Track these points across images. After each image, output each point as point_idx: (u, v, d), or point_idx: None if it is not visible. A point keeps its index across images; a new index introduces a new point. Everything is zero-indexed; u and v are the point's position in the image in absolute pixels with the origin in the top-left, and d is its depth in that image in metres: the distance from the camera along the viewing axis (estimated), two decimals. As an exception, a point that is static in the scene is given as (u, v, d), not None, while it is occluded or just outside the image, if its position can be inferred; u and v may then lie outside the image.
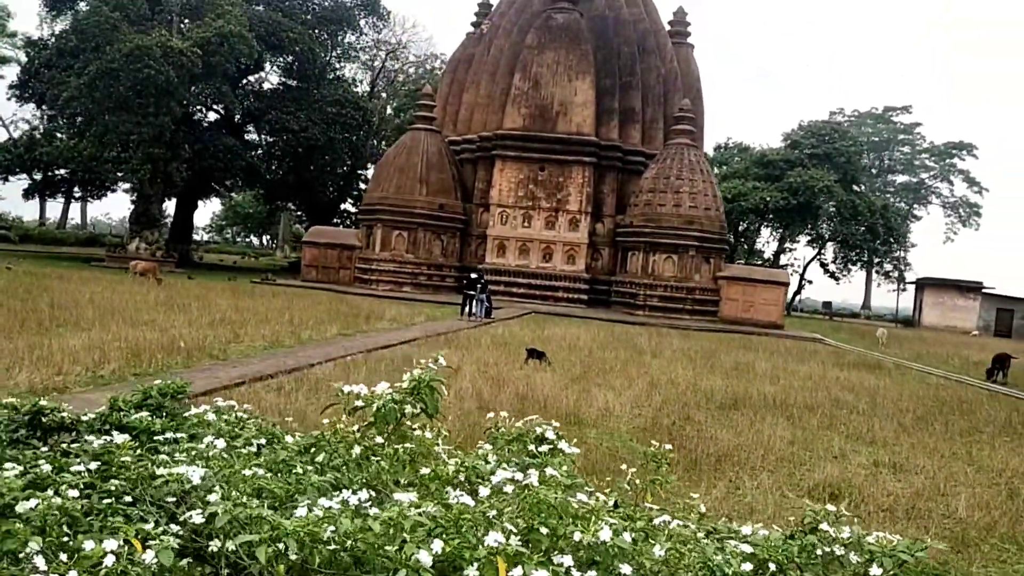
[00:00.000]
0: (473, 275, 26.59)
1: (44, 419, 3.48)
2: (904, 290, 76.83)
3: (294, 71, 52.35)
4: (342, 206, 65.56)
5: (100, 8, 38.20)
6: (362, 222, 38.49)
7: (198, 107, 46.18)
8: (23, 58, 75.34)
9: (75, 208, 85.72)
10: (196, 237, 76.24)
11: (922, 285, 62.72)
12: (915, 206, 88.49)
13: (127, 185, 59.38)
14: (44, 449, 3.25)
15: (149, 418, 3.53)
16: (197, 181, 47.17)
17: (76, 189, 58.13)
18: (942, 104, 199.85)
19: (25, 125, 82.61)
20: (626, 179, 37.77)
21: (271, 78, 57.10)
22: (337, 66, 59.97)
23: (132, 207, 42.08)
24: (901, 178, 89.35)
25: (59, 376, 10.21)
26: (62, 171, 52.20)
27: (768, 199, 57.97)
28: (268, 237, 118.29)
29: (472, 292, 25.84)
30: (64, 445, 3.36)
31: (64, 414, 3.60)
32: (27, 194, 57.63)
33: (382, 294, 33.24)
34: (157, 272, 27.84)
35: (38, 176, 53.29)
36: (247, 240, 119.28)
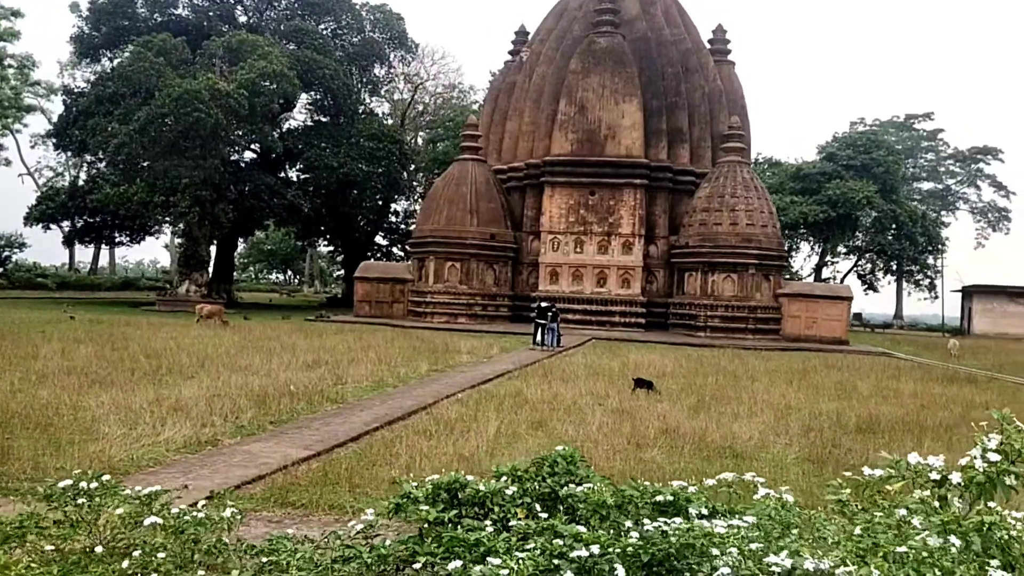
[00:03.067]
0: (543, 304, 26.27)
1: (462, 494, 3.16)
2: (937, 297, 75.62)
3: (328, 108, 52.63)
4: (376, 239, 65.66)
5: (144, 54, 38.52)
6: (413, 255, 38.33)
7: (236, 147, 46.38)
8: (47, 106, 76.72)
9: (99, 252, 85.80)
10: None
11: (970, 292, 61.74)
12: (943, 213, 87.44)
13: (169, 229, 59.91)
14: (490, 530, 2.90)
15: (604, 493, 3.18)
16: (239, 221, 47.31)
17: (115, 234, 58.33)
18: (963, 108, 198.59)
19: (49, 172, 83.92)
20: (677, 199, 37.44)
21: (300, 115, 57.52)
22: (367, 100, 60.34)
23: (180, 250, 42.20)
24: (927, 185, 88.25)
25: (205, 428, 9.96)
26: (96, 218, 52.44)
27: (807, 212, 57.40)
28: (290, 273, 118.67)
29: (543, 321, 25.52)
30: (489, 523, 3.03)
31: (482, 488, 3.27)
32: (67, 241, 58.11)
33: (439, 326, 32.96)
34: (223, 315, 27.72)
35: (79, 223, 53.56)
36: (267, 277, 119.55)
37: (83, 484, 2.86)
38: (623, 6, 38.55)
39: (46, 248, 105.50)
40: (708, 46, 41.37)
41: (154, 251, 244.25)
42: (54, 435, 9.17)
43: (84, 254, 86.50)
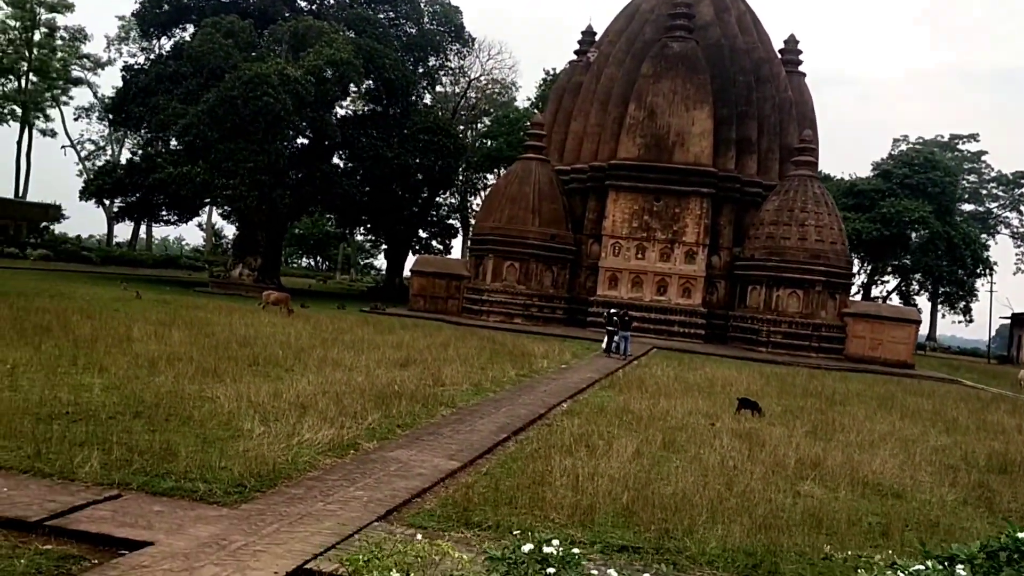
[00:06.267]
0: (614, 311, 25.80)
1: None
2: (972, 321, 74.18)
3: (381, 97, 52.27)
4: (418, 231, 65.36)
5: (213, 35, 38.42)
6: (471, 252, 37.99)
7: (296, 133, 46.21)
8: (93, 80, 77.50)
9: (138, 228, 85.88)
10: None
11: (1020, 320, 60.53)
12: (984, 236, 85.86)
13: (215, 210, 59.95)
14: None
15: None
16: (291, 206, 47.14)
17: (164, 213, 58.38)
18: (1009, 131, 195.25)
19: (91, 146, 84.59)
20: (742, 211, 36.82)
21: (352, 104, 57.09)
22: (423, 93, 59.97)
23: (236, 233, 42.14)
24: (968, 207, 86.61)
25: (341, 430, 9.63)
26: (152, 196, 52.49)
27: (861, 230, 56.45)
28: (320, 259, 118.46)
29: (612, 328, 25.08)
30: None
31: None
32: (118, 216, 58.30)
33: (496, 326, 32.58)
34: (289, 303, 27.51)
35: (131, 200, 53.53)
36: (297, 262, 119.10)
37: (547, 549, 2.49)
38: (697, 11, 37.95)
39: (78, 220, 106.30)
40: (779, 56, 40.64)
41: (179, 229, 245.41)
42: (198, 430, 8.93)
43: (120, 229, 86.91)
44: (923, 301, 72.36)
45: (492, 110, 69.80)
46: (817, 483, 9.64)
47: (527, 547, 2.49)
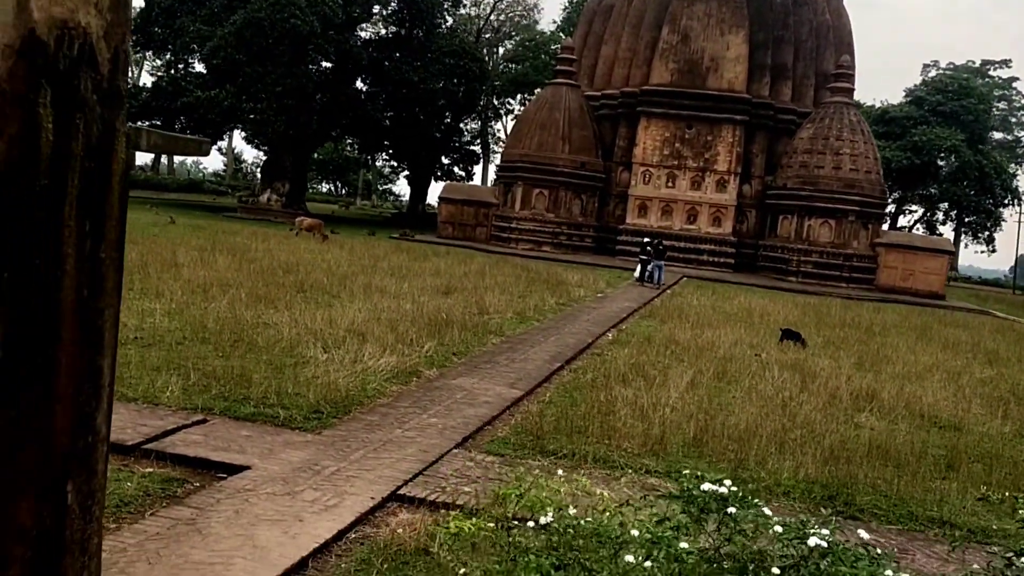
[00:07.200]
0: (647, 240, 25.73)
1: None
2: (994, 251, 73.42)
3: (406, 20, 51.17)
4: (443, 158, 64.75)
5: (236, -46, 37.58)
6: (500, 179, 37.73)
7: (321, 56, 45.50)
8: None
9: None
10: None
11: (1050, 252, 59.79)
12: (1011, 165, 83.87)
13: (239, 134, 59.45)
14: None
15: None
16: (317, 131, 46.78)
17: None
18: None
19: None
20: (775, 138, 36.18)
21: (375, 27, 55.91)
22: (447, 16, 58.64)
23: (264, 158, 41.98)
24: (997, 135, 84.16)
25: (403, 357, 9.74)
26: (179, 119, 52.12)
27: (891, 158, 55.38)
28: (339, 184, 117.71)
29: (646, 257, 25.05)
30: None
31: None
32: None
33: (525, 253, 32.55)
34: (322, 229, 27.58)
35: (156, 123, 53.25)
36: (315, 187, 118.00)
37: (720, 490, 2.53)
38: (735, -70, 36.62)
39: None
40: (818, -23, 39.35)
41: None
42: (265, 356, 9.05)
43: (139, 152, 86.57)
44: (946, 231, 71.75)
45: (515, 33, 68.44)
46: (875, 415, 9.71)
47: (707, 486, 2.54)
